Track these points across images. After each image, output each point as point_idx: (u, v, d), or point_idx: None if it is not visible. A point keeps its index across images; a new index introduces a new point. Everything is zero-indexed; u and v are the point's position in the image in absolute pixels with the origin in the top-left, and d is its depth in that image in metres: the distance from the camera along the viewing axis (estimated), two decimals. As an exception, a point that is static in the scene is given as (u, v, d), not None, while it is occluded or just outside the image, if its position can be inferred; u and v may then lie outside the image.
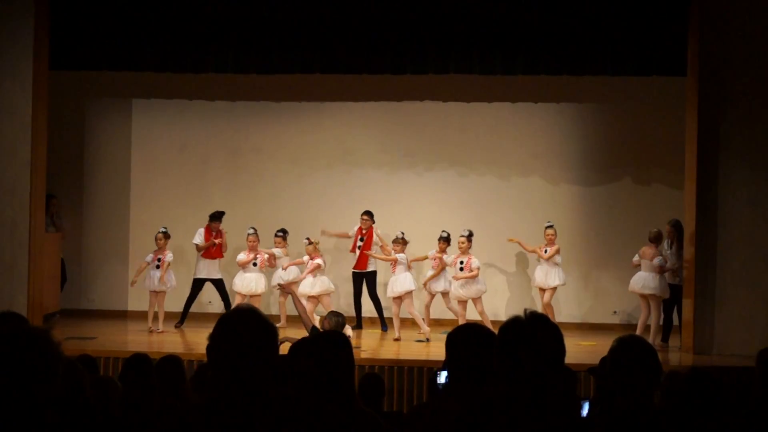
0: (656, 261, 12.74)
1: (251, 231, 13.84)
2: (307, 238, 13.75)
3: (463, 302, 13.39)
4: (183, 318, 14.04)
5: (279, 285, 13.18)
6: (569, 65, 13.23)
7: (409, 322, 13.62)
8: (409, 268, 13.54)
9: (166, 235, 13.71)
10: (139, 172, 15.67)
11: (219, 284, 14.14)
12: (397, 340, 13.14)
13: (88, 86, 15.43)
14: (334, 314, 9.84)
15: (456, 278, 13.33)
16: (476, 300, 13.34)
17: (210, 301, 14.57)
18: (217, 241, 13.99)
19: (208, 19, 13.25)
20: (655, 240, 12.89)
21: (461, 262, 13.35)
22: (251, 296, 13.64)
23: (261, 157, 15.50)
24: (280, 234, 14.10)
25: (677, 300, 12.97)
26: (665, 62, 12.96)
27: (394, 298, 13.41)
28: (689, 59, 12.52)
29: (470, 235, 13.50)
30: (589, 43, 13.05)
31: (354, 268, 14.29)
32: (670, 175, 14.32)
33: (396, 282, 13.41)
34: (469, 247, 13.41)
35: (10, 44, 12.52)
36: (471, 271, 13.27)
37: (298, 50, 13.33)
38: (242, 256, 13.80)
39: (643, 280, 12.82)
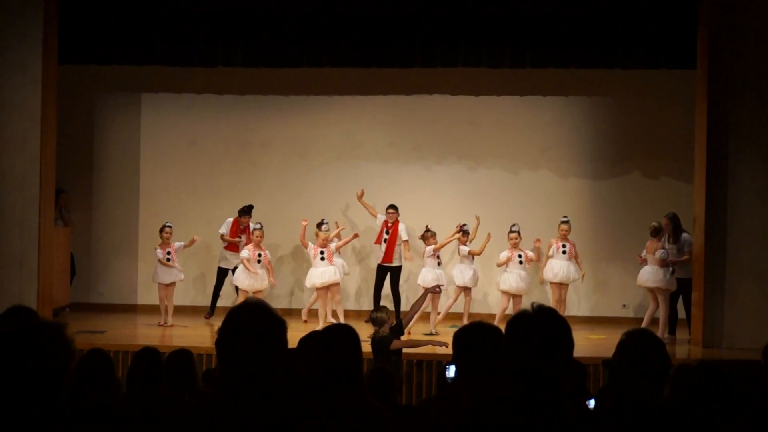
0: (659, 254, 12.77)
1: (257, 226, 13.75)
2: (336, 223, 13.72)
3: (507, 296, 13.46)
4: (213, 309, 14.10)
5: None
6: (578, 58, 13.20)
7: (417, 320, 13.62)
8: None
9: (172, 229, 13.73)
10: (148, 166, 15.69)
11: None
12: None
13: (97, 81, 15.44)
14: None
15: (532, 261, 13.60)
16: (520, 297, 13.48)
17: (219, 296, 14.56)
18: (243, 237, 13.94)
19: (217, 13, 13.24)
20: (654, 233, 12.92)
21: (519, 256, 13.43)
22: (254, 292, 13.58)
23: (269, 151, 15.51)
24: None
25: (681, 292, 12.98)
26: (675, 55, 12.93)
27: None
28: (699, 52, 12.48)
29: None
30: (598, 36, 13.02)
31: (381, 261, 14.15)
32: (680, 168, 14.29)
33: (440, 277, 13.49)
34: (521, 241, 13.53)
35: (19, 39, 12.54)
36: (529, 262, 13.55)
37: (307, 44, 13.31)
38: (246, 254, 13.58)
39: (648, 274, 12.88)
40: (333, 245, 13.70)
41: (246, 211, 14.07)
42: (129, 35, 13.37)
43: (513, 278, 13.37)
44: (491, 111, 15.19)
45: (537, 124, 15.19)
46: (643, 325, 12.23)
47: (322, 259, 13.43)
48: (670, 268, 12.87)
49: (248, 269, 13.44)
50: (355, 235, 14.22)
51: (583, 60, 13.23)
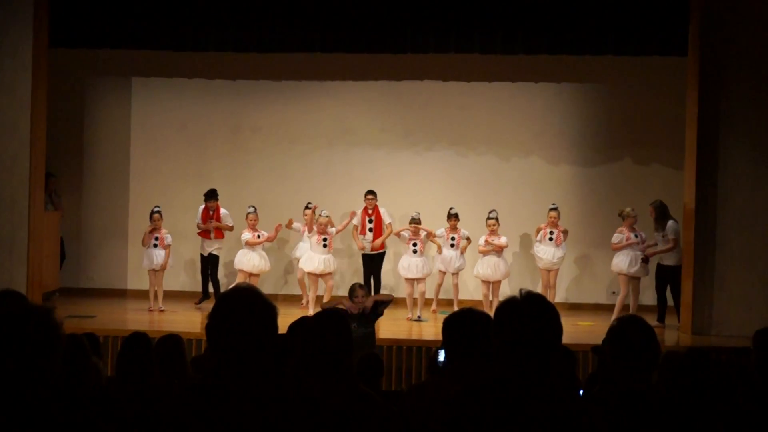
0: (612, 239, 13.10)
1: (251, 210, 13.81)
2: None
3: (484, 283, 13.54)
4: (203, 294, 14.12)
5: None
6: (570, 45, 13.18)
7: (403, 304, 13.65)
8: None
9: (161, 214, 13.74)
10: (139, 150, 15.65)
11: (213, 260, 14.17)
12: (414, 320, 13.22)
13: (88, 64, 15.39)
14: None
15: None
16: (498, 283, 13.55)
17: (209, 282, 14.54)
18: (212, 224, 13.97)
19: (208, -3, 13.24)
20: (622, 219, 13.17)
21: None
22: (251, 275, 13.66)
23: (261, 136, 15.48)
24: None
25: (669, 280, 13.03)
26: (666, 42, 12.92)
27: (415, 280, 13.46)
28: (690, 39, 12.49)
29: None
30: (590, 23, 13.00)
31: (370, 249, 14.14)
32: (670, 155, 14.31)
33: (425, 263, 13.61)
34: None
35: (9, 22, 12.50)
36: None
37: (299, 29, 13.28)
38: (248, 236, 13.74)
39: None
40: (332, 230, 13.74)
41: (209, 195, 14.05)
42: (120, 19, 13.31)
43: (483, 265, 13.50)
44: (483, 97, 15.18)
45: (528, 110, 15.18)
46: (631, 311, 12.30)
47: (324, 246, 13.46)
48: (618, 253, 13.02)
49: (254, 243, 13.69)
50: (352, 214, 14.16)
51: (575, 47, 13.22)
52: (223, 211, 14.10)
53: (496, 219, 13.50)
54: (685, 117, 12.72)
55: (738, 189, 12.26)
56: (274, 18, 13.24)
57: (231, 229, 14.14)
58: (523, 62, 14.43)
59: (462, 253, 13.75)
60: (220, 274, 14.48)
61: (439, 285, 13.83)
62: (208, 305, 13.77)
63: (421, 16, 13.14)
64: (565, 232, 13.69)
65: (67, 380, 4.69)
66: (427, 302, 13.71)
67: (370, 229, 14.04)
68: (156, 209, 13.70)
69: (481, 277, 13.48)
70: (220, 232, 14.13)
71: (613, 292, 14.82)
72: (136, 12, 13.27)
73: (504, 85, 15.16)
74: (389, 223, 14.13)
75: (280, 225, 13.92)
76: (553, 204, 13.82)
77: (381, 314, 10.43)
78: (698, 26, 12.30)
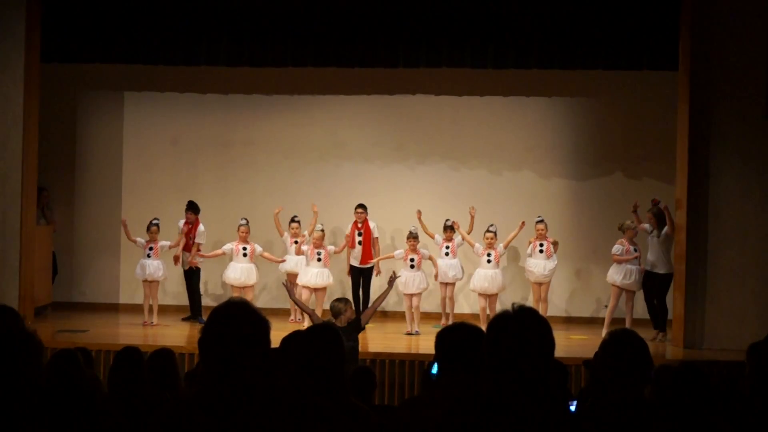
0: (613, 250, 13.13)
1: (243, 222, 13.79)
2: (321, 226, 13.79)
3: (481, 296, 13.53)
4: (192, 309, 14.05)
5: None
6: (561, 59, 13.22)
7: (400, 317, 13.63)
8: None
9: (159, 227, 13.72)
10: (131, 164, 15.63)
11: (197, 271, 14.13)
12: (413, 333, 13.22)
13: (80, 79, 15.37)
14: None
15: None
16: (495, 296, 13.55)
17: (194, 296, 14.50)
18: (178, 243, 13.89)
19: (200, 11, 13.23)
20: (620, 231, 13.22)
21: (489, 254, 13.46)
22: (243, 288, 13.60)
23: (253, 150, 15.47)
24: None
25: (656, 287, 13.03)
26: (657, 56, 12.97)
27: (412, 294, 13.46)
28: (681, 53, 12.52)
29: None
30: (581, 37, 13.05)
31: (359, 263, 14.13)
32: (662, 168, 14.33)
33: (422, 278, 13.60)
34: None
35: (1, 37, 12.50)
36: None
37: (291, 43, 13.30)
38: (228, 246, 13.75)
39: None
40: (332, 248, 13.73)
41: (189, 207, 13.98)
42: (112, 34, 13.32)
43: (479, 278, 13.52)
44: (474, 111, 15.20)
45: (520, 124, 15.21)
46: (627, 325, 12.29)
47: (319, 260, 13.44)
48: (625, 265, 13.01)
49: (208, 256, 13.78)
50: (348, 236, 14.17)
51: (566, 61, 13.26)
52: (200, 228, 14.00)
53: (495, 233, 13.52)
54: (675, 131, 12.75)
55: (729, 202, 12.27)
56: (266, 32, 13.27)
57: (223, 254, 13.98)
58: (514, 76, 14.48)
59: (469, 232, 13.82)
60: (214, 288, 14.45)
61: (444, 298, 13.81)
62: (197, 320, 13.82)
63: (413, 30, 13.17)
64: (555, 244, 13.70)
65: (59, 394, 4.68)
66: (429, 316, 13.71)
67: (360, 242, 14.03)
68: (155, 221, 13.69)
69: (478, 290, 13.47)
70: (190, 245, 14.01)
71: (606, 306, 14.83)
72: (127, 27, 13.28)
73: (496, 99, 15.19)
74: (377, 238, 14.13)
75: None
76: (539, 216, 13.84)
77: (365, 324, 10.19)
78: (688, 40, 12.34)
